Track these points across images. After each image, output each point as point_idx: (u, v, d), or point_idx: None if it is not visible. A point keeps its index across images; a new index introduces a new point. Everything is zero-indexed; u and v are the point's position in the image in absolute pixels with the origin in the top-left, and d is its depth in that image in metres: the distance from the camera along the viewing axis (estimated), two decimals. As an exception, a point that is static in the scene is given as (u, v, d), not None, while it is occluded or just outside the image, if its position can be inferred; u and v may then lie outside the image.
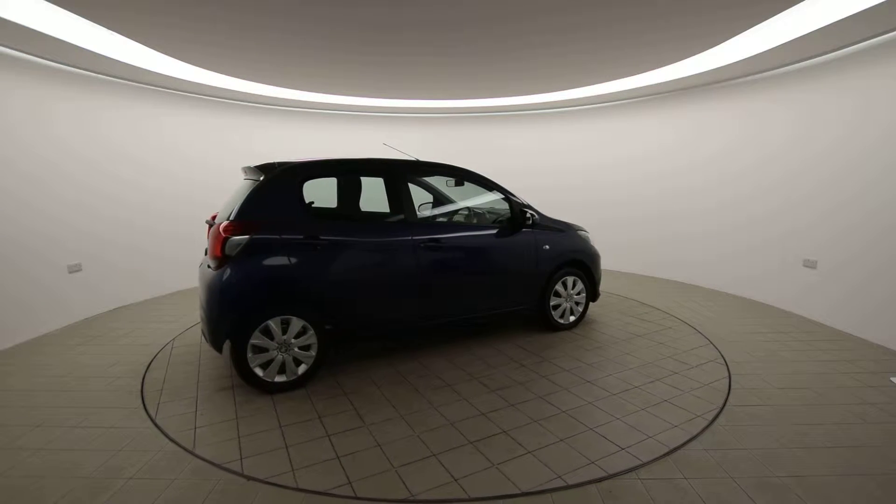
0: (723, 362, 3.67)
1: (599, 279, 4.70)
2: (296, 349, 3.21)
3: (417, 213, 3.80)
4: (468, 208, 4.51)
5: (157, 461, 2.43)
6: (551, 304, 4.35)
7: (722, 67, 5.06)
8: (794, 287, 4.96)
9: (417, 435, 2.69)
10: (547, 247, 4.24)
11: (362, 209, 4.01)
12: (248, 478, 2.29)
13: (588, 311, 4.81)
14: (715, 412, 2.90)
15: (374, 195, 3.87)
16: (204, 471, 2.35)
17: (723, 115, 5.80)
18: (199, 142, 6.35)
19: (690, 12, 3.49)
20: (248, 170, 3.63)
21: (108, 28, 3.80)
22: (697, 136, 6.16)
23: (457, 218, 4.41)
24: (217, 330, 3.05)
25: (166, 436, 2.67)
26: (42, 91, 4.53)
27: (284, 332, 3.16)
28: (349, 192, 3.89)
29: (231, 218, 3.13)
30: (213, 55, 4.62)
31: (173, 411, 2.97)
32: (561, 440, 2.61)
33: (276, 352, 3.15)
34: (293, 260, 3.19)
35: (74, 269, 4.81)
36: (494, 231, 4.09)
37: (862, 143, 4.24)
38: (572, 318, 4.51)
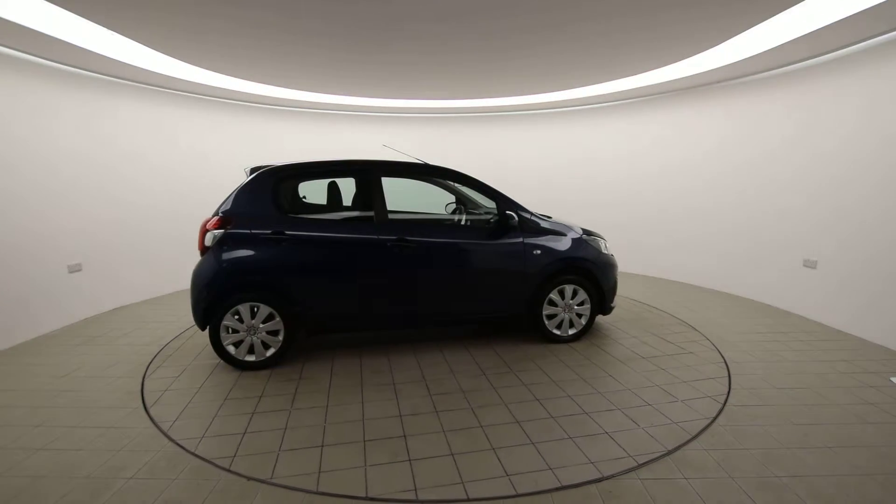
0: (722, 361, 3.67)
1: (612, 290, 4.21)
2: (263, 333, 3.55)
3: (389, 212, 3.82)
4: (457, 209, 4.44)
5: (157, 461, 2.43)
6: (545, 313, 4.03)
7: (722, 67, 5.06)
8: (794, 287, 4.96)
9: (324, 425, 2.80)
10: (538, 251, 3.93)
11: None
12: (248, 478, 2.30)
13: (608, 324, 4.55)
14: (714, 413, 2.90)
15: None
16: (204, 471, 2.35)
17: (723, 115, 5.80)
18: (199, 142, 6.35)
19: (692, 10, 3.50)
20: (245, 171, 3.92)
21: (108, 28, 3.80)
22: (697, 136, 6.15)
23: (434, 218, 4.32)
24: (196, 310, 3.49)
25: (166, 436, 2.67)
26: (42, 91, 4.53)
27: (253, 316, 3.49)
28: (330, 192, 4.13)
29: (214, 214, 3.57)
30: (213, 55, 4.62)
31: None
32: (450, 454, 2.49)
33: (245, 334, 3.52)
34: (260, 252, 3.51)
35: (74, 269, 4.81)
36: (474, 232, 3.99)
37: (863, 143, 4.24)
38: (572, 331, 4.13)
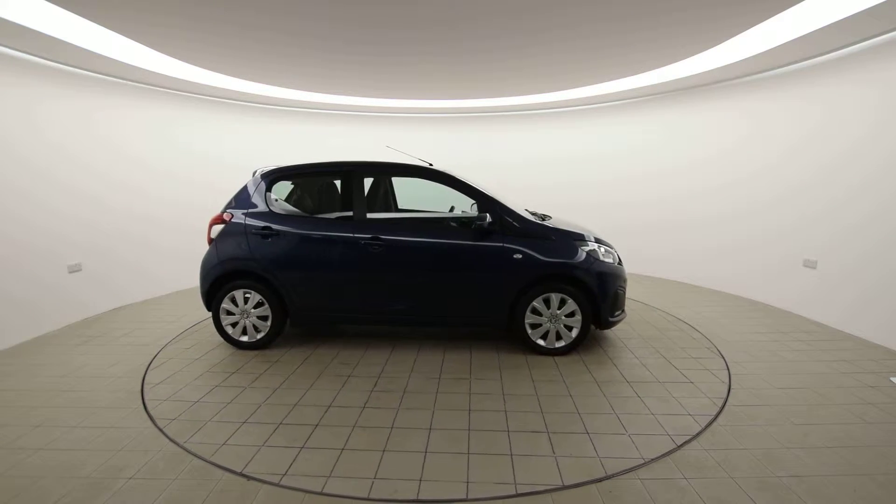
0: (721, 358, 3.66)
1: (612, 302, 3.74)
2: (254, 318, 3.96)
3: (367, 212, 3.93)
4: (451, 209, 4.39)
5: (157, 461, 2.43)
6: (528, 322, 3.76)
7: (723, 67, 5.06)
8: (794, 287, 4.96)
9: (261, 404, 3.04)
10: (518, 255, 3.67)
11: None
12: (248, 477, 2.30)
13: (620, 339, 4.17)
14: (715, 412, 2.90)
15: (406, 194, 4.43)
16: (204, 471, 2.35)
17: (723, 117, 5.81)
18: (198, 142, 6.35)
19: (691, 9, 3.50)
20: (253, 173, 4.15)
21: (108, 27, 3.80)
22: (698, 137, 6.16)
23: (417, 218, 4.23)
24: (202, 293, 4.02)
25: (166, 436, 2.67)
26: (41, 91, 4.53)
27: (246, 302, 3.92)
28: (326, 191, 4.34)
29: (222, 211, 4.04)
30: (213, 55, 4.62)
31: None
32: (341, 449, 2.52)
33: (239, 316, 3.96)
34: (252, 246, 3.88)
35: (74, 269, 4.81)
36: (456, 234, 3.79)
37: (862, 143, 4.24)
38: (560, 344, 3.77)
